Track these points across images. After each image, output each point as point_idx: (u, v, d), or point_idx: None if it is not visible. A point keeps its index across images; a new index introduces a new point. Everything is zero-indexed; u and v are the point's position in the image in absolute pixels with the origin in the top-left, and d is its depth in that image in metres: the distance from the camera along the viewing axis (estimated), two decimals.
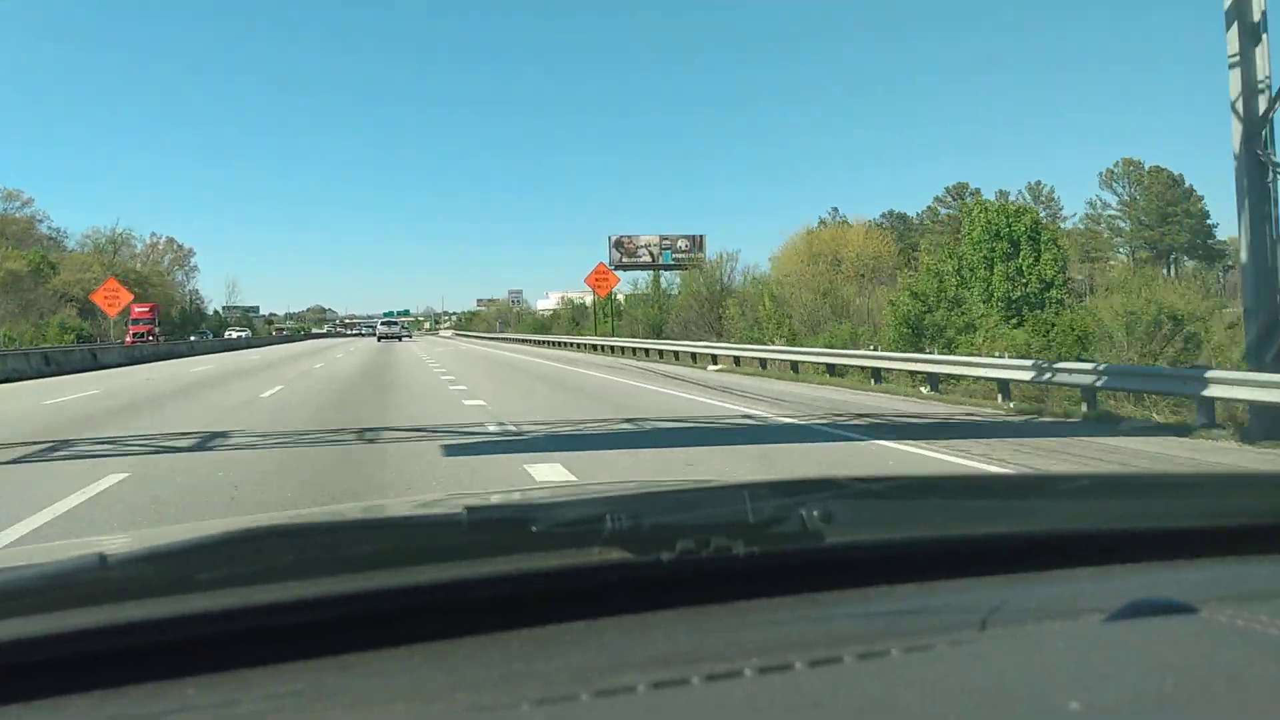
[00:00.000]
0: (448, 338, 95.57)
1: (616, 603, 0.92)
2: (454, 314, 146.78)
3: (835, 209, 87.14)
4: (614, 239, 69.99)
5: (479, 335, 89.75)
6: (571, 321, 68.55)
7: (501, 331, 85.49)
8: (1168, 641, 0.83)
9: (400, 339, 76.23)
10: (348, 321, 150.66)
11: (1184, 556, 1.13)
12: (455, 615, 0.88)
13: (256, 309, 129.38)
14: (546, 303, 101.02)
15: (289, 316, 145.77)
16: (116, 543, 0.92)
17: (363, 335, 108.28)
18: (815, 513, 1.02)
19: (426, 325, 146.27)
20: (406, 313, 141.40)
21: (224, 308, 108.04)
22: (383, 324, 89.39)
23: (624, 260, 70.21)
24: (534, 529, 0.96)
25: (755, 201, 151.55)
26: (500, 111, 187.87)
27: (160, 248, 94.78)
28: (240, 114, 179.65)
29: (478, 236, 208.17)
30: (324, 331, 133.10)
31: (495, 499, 1.74)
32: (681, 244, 70.03)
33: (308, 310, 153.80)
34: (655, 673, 0.76)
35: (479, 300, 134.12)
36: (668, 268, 67.42)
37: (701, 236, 70.91)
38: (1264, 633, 0.81)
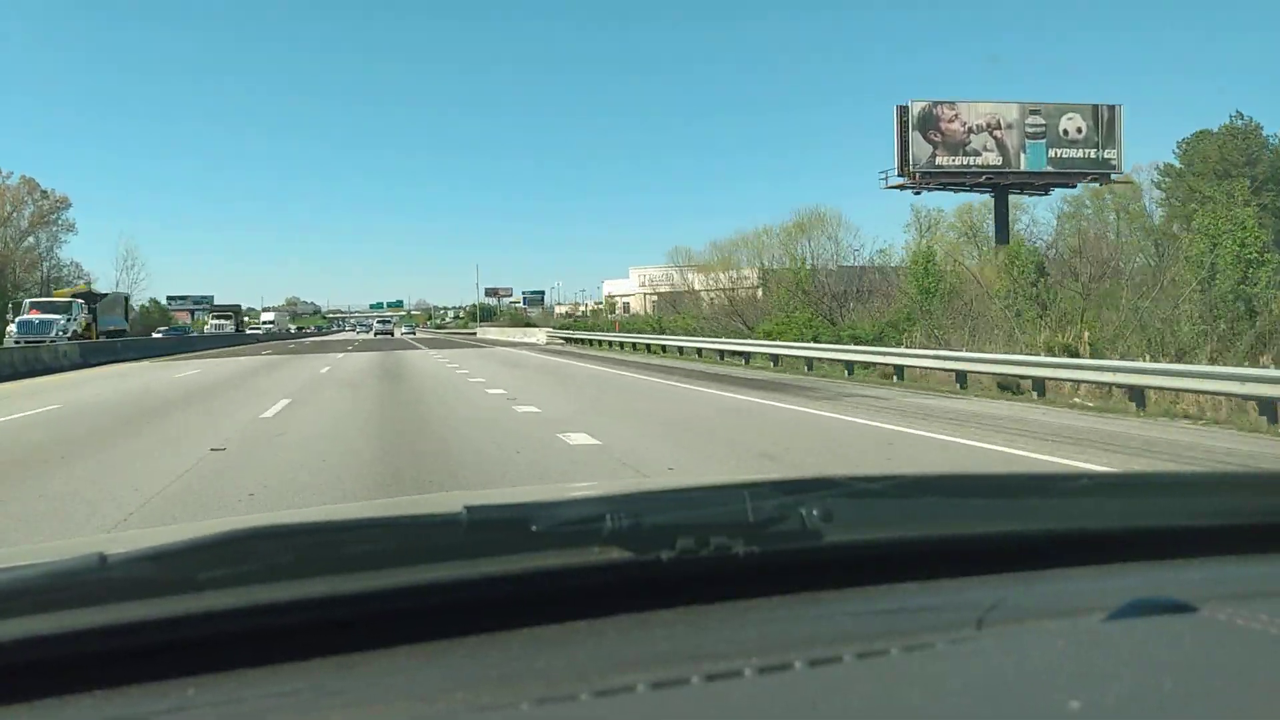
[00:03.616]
0: (539, 345, 42.00)
1: (616, 602, 0.92)
2: (454, 307, 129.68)
3: None
4: (919, 110, 33.14)
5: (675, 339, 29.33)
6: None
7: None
8: (1167, 641, 0.83)
9: (393, 334, 67.94)
10: (334, 315, 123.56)
11: (1184, 556, 1.13)
12: (455, 615, 0.88)
13: (210, 298, 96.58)
14: (627, 284, 69.31)
15: (266, 309, 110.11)
16: (116, 542, 0.92)
17: (328, 339, 67.52)
18: (815, 512, 1.02)
19: (449, 317, 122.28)
20: (399, 304, 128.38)
21: (169, 298, 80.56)
22: (378, 320, 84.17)
23: (939, 157, 33.40)
24: (534, 528, 0.95)
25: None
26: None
27: (15, 194, 59.94)
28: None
29: (483, 222, 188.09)
30: (216, 328, 69.53)
31: (495, 498, 1.75)
32: (1069, 125, 33.55)
33: (285, 302, 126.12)
34: (655, 672, 0.76)
35: (487, 290, 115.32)
36: (1038, 180, 34.31)
37: (1114, 108, 34.25)
38: (1264, 632, 0.82)
